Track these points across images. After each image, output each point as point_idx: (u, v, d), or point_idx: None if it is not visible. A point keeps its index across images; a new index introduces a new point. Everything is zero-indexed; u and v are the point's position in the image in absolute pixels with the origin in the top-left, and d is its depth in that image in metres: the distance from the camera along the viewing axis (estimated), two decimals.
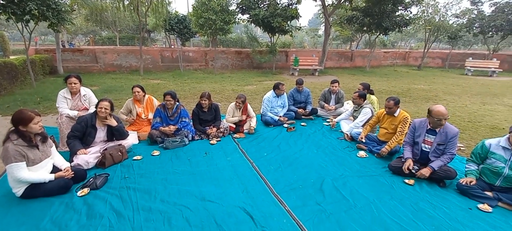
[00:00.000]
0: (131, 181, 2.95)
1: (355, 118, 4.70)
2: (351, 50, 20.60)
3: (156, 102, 4.50)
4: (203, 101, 4.31)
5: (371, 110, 4.50)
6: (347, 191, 2.87)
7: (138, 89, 4.29)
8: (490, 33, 17.40)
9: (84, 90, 3.95)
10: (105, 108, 3.31)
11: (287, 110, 5.48)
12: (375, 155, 3.82)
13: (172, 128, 4.03)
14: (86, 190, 2.66)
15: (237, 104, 4.63)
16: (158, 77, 10.94)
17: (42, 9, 6.79)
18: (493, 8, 17.08)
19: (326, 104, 5.74)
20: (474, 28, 17.64)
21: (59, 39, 11.41)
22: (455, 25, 18.01)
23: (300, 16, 12.73)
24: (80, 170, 2.94)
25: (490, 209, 2.58)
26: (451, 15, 18.25)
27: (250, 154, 3.77)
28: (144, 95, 4.41)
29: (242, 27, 21.06)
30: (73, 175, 2.73)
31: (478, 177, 2.87)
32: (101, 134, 3.45)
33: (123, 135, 3.56)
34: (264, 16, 11.94)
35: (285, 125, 5.04)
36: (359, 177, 3.20)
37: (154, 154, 3.65)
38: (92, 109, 3.86)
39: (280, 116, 5.17)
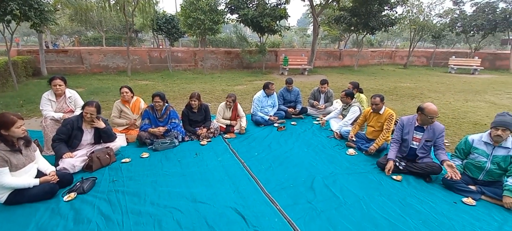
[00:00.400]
0: (119, 184, 2.90)
1: (344, 116, 4.76)
2: (339, 49, 20.87)
3: (143, 104, 4.42)
4: (193, 102, 4.28)
5: (359, 109, 4.57)
6: (337, 189, 2.91)
7: (127, 90, 4.21)
8: (472, 32, 17.99)
9: (69, 92, 3.84)
10: (91, 114, 3.23)
11: (277, 110, 5.50)
12: (364, 152, 3.89)
13: (162, 129, 3.98)
14: (72, 195, 2.60)
15: (228, 103, 4.62)
16: (147, 78, 10.77)
17: (24, 9, 6.57)
18: (474, 8, 17.68)
19: (315, 102, 5.81)
20: (457, 27, 18.21)
21: (43, 39, 11.06)
22: (439, 24, 18.56)
23: (289, 16, 12.81)
24: (66, 174, 2.86)
25: (474, 202, 2.67)
26: (434, 15, 18.81)
27: (241, 154, 3.77)
28: (132, 97, 4.33)
29: (231, 27, 20.98)
30: (58, 180, 2.65)
31: (462, 172, 2.96)
32: (88, 136, 3.37)
33: (111, 137, 3.49)
34: (253, 16, 11.95)
35: (276, 124, 5.06)
36: (349, 175, 3.25)
37: (143, 156, 3.59)
38: (77, 112, 3.77)
39: (271, 116, 5.19)
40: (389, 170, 3.18)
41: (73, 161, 3.07)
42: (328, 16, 17.80)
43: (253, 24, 12.43)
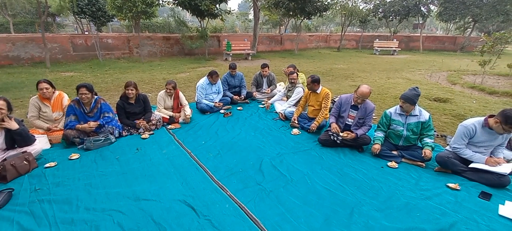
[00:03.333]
0: (44, 192, 2.51)
1: (288, 97, 4.96)
2: (280, 34, 21.47)
3: (66, 100, 3.82)
4: (130, 91, 3.89)
5: (303, 89, 4.82)
6: (284, 168, 3.04)
7: (46, 85, 3.56)
8: (391, 17, 20.53)
9: None
10: (1, 109, 2.69)
11: (223, 96, 5.43)
12: (308, 131, 4.14)
13: (92, 124, 3.52)
14: None
15: (168, 90, 4.36)
16: (71, 69, 9.42)
17: None
18: None
19: (255, 94, 5.92)
20: (379, 13, 20.52)
21: None
22: (365, 10, 20.58)
23: None
24: None
25: (396, 165, 3.12)
26: (361, 1, 20.79)
27: (187, 144, 3.63)
28: (53, 92, 3.71)
29: (168, 10, 19.61)
30: None
31: (383, 143, 3.38)
32: None
33: (28, 140, 2.97)
34: None
35: (222, 111, 5.00)
36: (294, 153, 3.43)
37: (72, 158, 3.16)
38: None
39: (216, 102, 5.10)
40: (335, 128, 3.49)
41: None
42: (267, 1, 18.02)
43: (191, 8, 11.82)
